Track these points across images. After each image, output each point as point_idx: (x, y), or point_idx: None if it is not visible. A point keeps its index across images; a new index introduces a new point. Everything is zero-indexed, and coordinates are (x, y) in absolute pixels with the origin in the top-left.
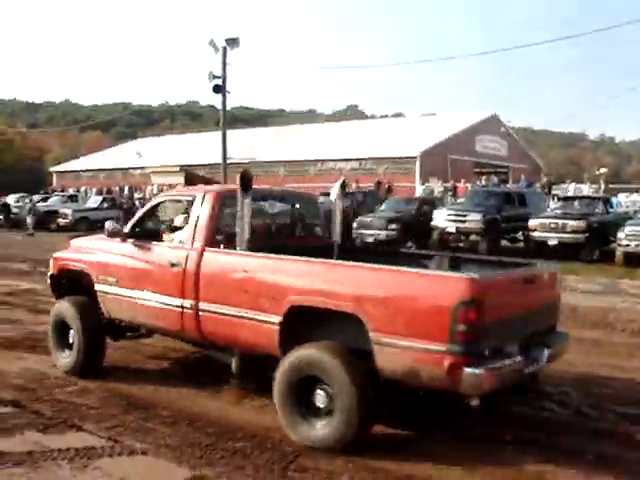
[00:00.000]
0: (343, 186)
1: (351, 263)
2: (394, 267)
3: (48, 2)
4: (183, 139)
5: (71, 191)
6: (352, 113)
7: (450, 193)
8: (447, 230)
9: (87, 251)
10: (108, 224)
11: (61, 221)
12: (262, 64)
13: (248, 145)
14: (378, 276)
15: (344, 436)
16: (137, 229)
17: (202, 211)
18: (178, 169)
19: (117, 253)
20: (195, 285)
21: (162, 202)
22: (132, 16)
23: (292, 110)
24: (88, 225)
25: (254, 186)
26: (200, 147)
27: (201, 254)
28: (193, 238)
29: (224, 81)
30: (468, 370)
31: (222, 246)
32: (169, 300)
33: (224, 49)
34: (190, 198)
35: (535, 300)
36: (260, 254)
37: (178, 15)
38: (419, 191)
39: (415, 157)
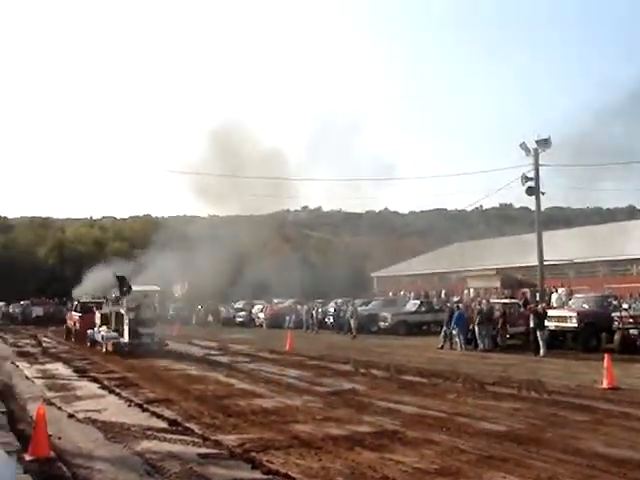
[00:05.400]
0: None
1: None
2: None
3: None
4: (498, 242)
5: (390, 295)
6: None
7: None
8: None
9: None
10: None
11: (381, 324)
12: (574, 162)
13: (565, 246)
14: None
15: None
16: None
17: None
18: (495, 272)
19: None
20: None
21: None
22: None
23: (609, 207)
24: (407, 328)
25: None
26: (516, 250)
27: None
28: None
29: (537, 182)
30: None
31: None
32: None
33: (535, 150)
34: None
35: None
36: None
37: (489, 121)
38: None
39: None
